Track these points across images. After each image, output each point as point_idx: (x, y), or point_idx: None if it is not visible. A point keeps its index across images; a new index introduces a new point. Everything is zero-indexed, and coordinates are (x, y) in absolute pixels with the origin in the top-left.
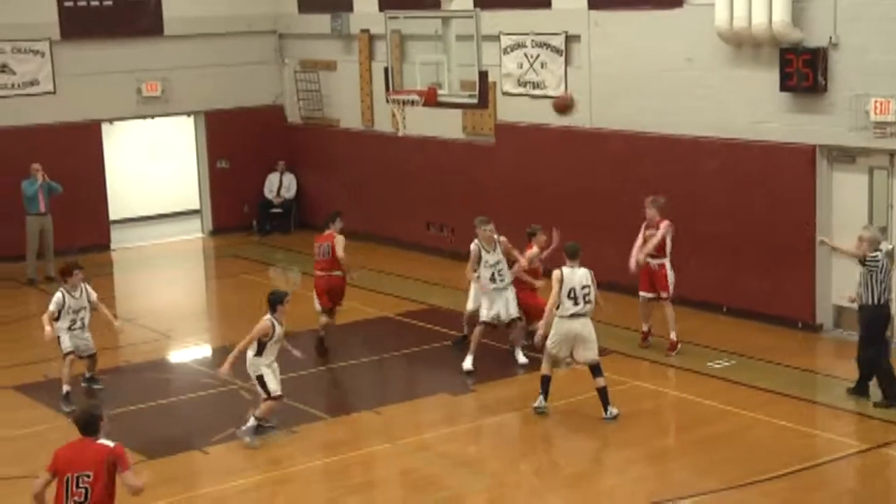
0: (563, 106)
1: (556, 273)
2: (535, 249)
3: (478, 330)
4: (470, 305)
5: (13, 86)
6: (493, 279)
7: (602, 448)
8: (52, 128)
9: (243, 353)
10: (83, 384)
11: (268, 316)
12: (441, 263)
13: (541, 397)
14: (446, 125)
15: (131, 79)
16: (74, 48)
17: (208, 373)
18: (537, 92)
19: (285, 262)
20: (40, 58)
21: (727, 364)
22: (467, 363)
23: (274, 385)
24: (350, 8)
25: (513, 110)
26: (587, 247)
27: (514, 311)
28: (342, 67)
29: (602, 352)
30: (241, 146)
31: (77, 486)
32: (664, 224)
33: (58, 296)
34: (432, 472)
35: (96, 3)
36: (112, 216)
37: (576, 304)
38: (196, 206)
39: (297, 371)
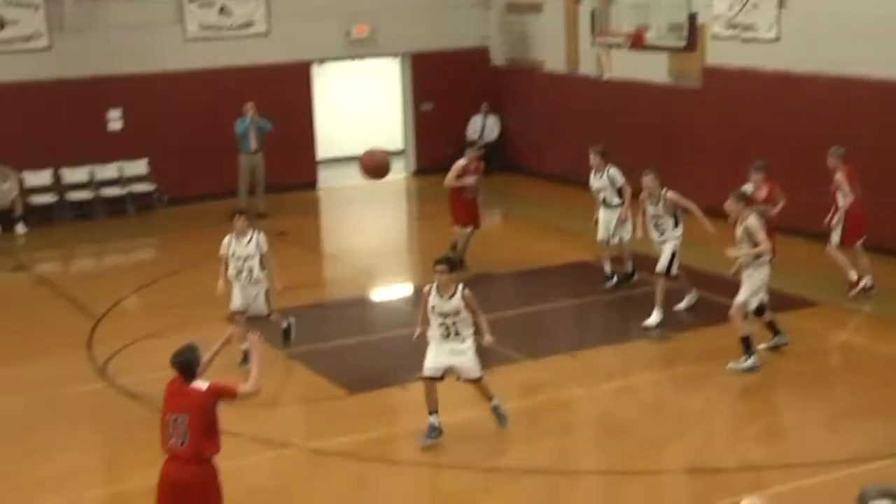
0: (374, 166)
1: (757, 222)
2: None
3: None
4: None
5: (230, 27)
6: (655, 228)
7: (804, 402)
8: (265, 68)
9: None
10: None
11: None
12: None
13: (754, 357)
14: (652, 68)
15: (341, 20)
16: None
17: (409, 311)
18: (748, 35)
19: (487, 203)
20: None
21: None
22: (652, 318)
23: (426, 361)
24: None
25: (722, 53)
26: (802, 196)
27: (660, 265)
28: (548, 9)
29: (811, 303)
30: (445, 88)
31: (176, 427)
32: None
33: (225, 239)
34: (628, 417)
35: None
36: (320, 156)
37: None
38: (401, 146)
39: (492, 313)
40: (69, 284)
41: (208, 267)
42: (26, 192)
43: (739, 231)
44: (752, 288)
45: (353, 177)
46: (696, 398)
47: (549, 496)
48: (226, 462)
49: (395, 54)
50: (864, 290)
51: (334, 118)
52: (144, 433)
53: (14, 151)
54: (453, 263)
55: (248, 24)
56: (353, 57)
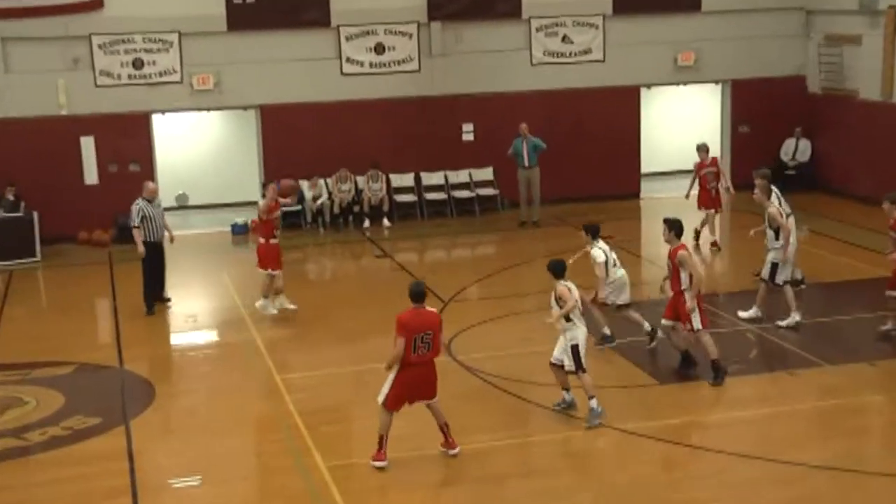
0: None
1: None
2: None
3: None
4: None
5: (571, 54)
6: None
7: None
8: (599, 90)
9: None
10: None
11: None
12: None
13: None
14: None
15: (669, 49)
16: (623, 21)
17: (717, 314)
18: None
19: (799, 220)
20: (594, 30)
21: None
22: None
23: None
24: None
25: None
26: None
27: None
28: (867, 41)
29: None
30: (761, 112)
31: (422, 342)
32: None
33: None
34: None
35: None
36: (644, 169)
37: None
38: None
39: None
40: (422, 271)
41: (537, 264)
42: (393, 191)
43: None
44: None
45: (674, 189)
46: None
47: (840, 493)
48: (551, 434)
49: (716, 81)
50: None
51: (657, 137)
52: (476, 403)
53: (384, 156)
54: (560, 268)
55: (587, 52)
56: (678, 83)
